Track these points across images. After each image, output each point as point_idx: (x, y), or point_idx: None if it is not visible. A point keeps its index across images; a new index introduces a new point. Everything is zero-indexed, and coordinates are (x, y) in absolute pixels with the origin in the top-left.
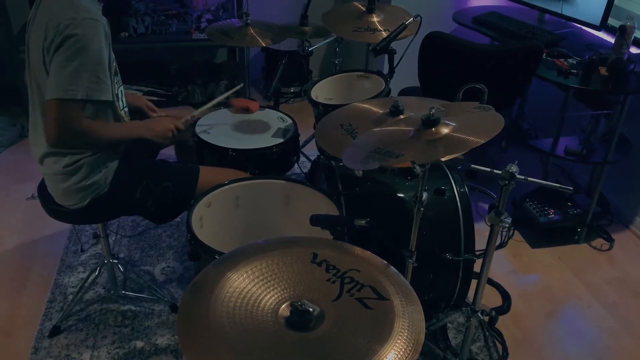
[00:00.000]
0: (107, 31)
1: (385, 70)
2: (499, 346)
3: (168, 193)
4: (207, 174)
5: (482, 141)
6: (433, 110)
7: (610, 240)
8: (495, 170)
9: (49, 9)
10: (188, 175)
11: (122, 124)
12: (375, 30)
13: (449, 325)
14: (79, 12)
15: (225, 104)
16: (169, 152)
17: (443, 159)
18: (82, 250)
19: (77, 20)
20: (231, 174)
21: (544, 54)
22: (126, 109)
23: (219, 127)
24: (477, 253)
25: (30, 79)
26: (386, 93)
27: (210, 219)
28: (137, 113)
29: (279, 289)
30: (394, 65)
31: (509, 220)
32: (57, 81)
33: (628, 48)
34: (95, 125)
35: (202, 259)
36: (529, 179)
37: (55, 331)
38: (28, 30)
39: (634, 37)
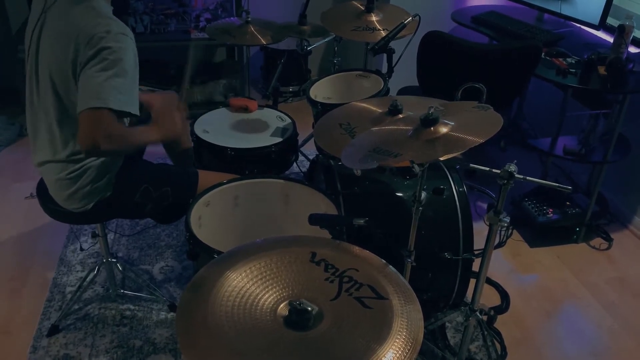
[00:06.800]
0: (134, 46)
1: (384, 70)
2: (498, 345)
3: (167, 197)
4: (206, 178)
5: (481, 140)
6: (432, 110)
7: (609, 239)
8: (494, 170)
9: (72, 21)
10: (187, 179)
11: (148, 128)
12: (374, 29)
13: (447, 324)
14: (111, 25)
15: (224, 103)
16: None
17: (442, 158)
18: (82, 249)
19: (111, 34)
20: (230, 178)
21: (543, 54)
22: None
23: (217, 126)
24: (476, 252)
25: (38, 87)
26: (385, 92)
27: (209, 218)
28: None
29: (277, 288)
30: (393, 65)
31: (507, 219)
32: (89, 91)
33: (627, 47)
34: (126, 131)
35: (200, 258)
36: (528, 178)
37: (53, 330)
38: (33, 37)
39: (633, 36)
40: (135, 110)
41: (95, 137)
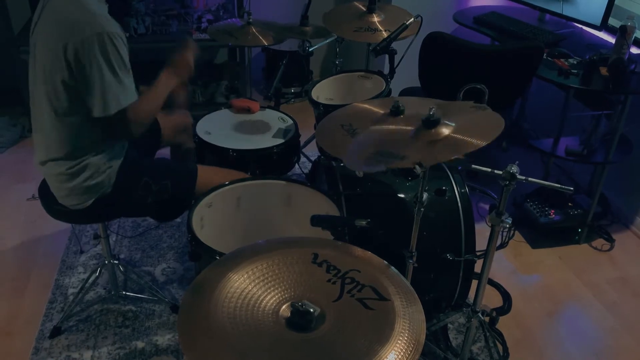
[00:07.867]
0: (124, 40)
1: (386, 71)
2: (500, 346)
3: (167, 191)
4: (205, 173)
5: (484, 143)
6: (432, 111)
7: (610, 240)
8: (496, 171)
9: (58, 21)
10: (186, 173)
11: (155, 86)
12: (376, 30)
13: (449, 325)
14: (92, 24)
15: (225, 104)
16: (167, 152)
17: (445, 160)
18: (82, 252)
19: (94, 35)
20: (229, 174)
21: (545, 54)
22: None
23: (219, 128)
24: (478, 253)
25: (39, 84)
26: (387, 93)
27: (211, 219)
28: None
29: (279, 289)
30: (395, 66)
31: (509, 220)
32: (97, 97)
33: (629, 48)
34: (146, 102)
35: (202, 260)
36: (530, 179)
37: (56, 332)
38: (34, 35)
39: (635, 37)
40: (132, 99)
41: (121, 134)
